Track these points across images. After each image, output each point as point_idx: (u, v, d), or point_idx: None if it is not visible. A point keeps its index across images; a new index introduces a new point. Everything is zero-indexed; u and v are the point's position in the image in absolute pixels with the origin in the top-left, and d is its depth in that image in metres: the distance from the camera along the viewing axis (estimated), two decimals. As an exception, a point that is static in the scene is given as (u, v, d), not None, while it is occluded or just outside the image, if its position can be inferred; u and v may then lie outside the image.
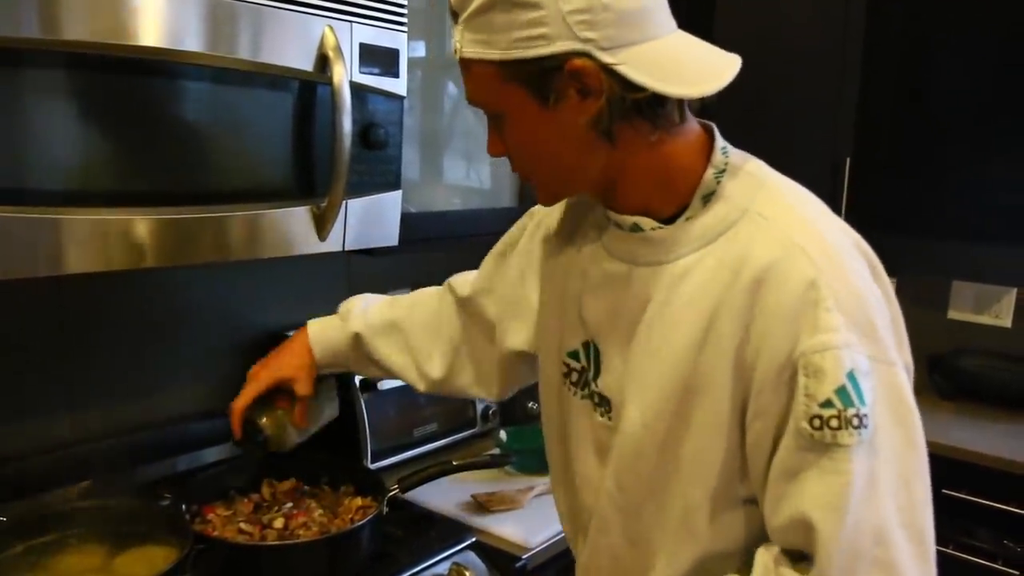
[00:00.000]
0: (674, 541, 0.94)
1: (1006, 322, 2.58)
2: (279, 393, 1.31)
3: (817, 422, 0.79)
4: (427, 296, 1.30)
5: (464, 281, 1.25)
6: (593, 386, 1.00)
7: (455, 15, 0.87)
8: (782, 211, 0.88)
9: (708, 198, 0.89)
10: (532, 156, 0.92)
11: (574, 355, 1.03)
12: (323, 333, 1.31)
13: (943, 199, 2.33)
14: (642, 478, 0.95)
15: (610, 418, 0.98)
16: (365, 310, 1.30)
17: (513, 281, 1.16)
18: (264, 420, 1.30)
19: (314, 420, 1.35)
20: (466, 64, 0.87)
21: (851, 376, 0.79)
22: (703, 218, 0.89)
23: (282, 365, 1.31)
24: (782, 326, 0.81)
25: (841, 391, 0.78)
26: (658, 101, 0.85)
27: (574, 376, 1.03)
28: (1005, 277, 2.56)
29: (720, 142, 0.92)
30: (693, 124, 0.92)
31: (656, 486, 0.94)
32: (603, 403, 0.99)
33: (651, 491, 0.94)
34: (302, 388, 1.29)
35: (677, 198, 0.90)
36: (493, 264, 1.22)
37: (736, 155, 0.92)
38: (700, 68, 0.86)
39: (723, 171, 0.90)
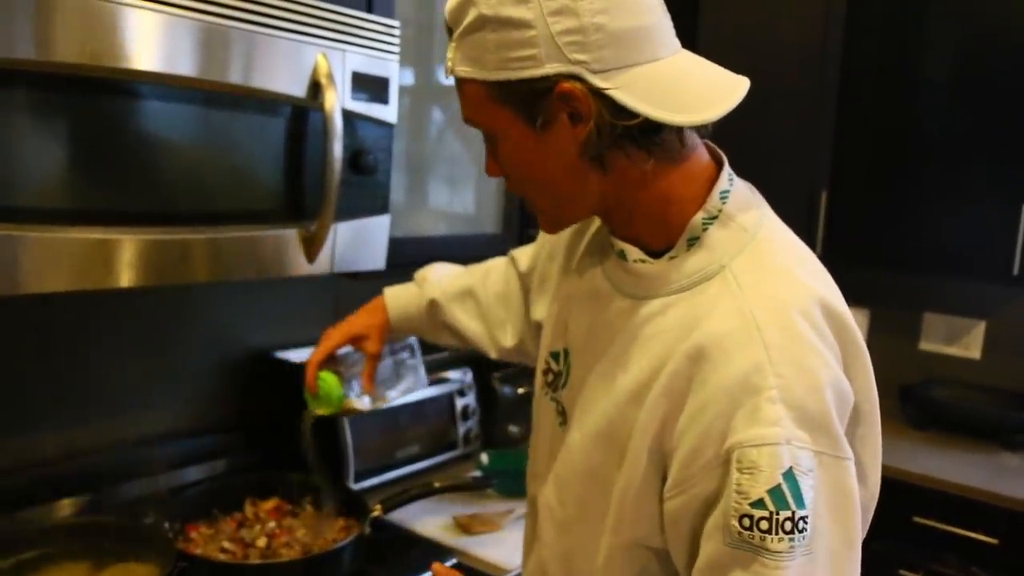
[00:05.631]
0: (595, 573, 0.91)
1: (975, 354, 2.64)
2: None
3: (747, 521, 0.73)
4: (498, 265, 1.30)
5: (522, 254, 1.25)
6: (559, 392, 0.98)
7: (450, 31, 0.84)
8: (758, 276, 0.81)
9: (693, 242, 0.84)
10: (526, 180, 0.88)
11: (555, 356, 1.00)
12: (399, 297, 1.34)
13: (916, 233, 2.39)
14: (578, 499, 0.93)
15: (564, 430, 0.96)
16: (440, 278, 1.32)
17: (545, 258, 1.15)
18: (322, 374, 1.31)
19: (383, 390, 1.38)
20: (459, 82, 0.85)
21: (789, 475, 0.72)
22: (684, 262, 0.84)
23: (356, 323, 1.33)
24: (717, 408, 0.76)
25: (775, 491, 0.72)
26: (653, 127, 0.79)
27: (550, 376, 1.01)
28: (975, 310, 2.63)
29: (723, 183, 0.85)
30: (701, 154, 0.87)
31: (589, 513, 0.91)
32: (562, 412, 0.97)
33: (584, 515, 0.92)
34: (371, 346, 1.31)
35: (667, 234, 0.85)
36: (541, 241, 1.20)
37: (738, 200, 0.85)
38: (702, 92, 0.80)
39: (714, 217, 0.84)
